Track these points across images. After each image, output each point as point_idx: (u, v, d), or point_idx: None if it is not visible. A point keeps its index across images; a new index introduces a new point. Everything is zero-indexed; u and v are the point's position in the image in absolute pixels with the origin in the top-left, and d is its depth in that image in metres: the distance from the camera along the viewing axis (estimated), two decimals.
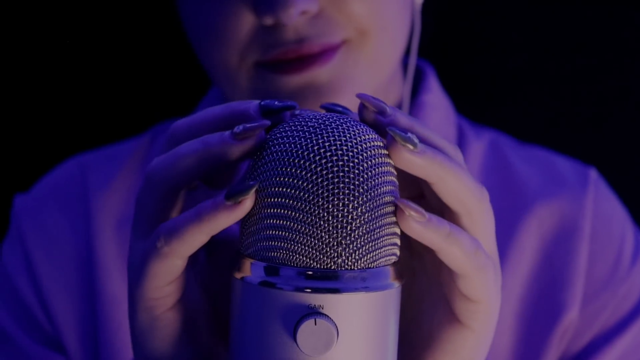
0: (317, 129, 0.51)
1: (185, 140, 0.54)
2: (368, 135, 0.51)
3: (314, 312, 0.50)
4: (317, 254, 0.50)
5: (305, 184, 0.49)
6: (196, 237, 0.51)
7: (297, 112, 0.54)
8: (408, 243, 0.57)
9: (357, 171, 0.50)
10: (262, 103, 0.54)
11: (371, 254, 0.50)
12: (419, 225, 0.51)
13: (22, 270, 0.82)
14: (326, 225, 0.49)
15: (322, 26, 0.70)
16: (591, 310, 0.80)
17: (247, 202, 0.50)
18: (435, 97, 0.84)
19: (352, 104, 0.72)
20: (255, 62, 0.72)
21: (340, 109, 0.55)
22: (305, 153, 0.50)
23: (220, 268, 0.58)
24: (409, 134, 0.51)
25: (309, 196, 0.49)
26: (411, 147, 0.51)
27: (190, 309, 0.56)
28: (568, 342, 0.80)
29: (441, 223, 0.52)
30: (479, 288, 0.53)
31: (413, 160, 0.51)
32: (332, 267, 0.50)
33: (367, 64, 0.72)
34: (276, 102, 0.54)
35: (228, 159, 0.52)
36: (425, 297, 0.57)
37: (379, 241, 0.51)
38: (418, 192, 0.56)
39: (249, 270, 0.51)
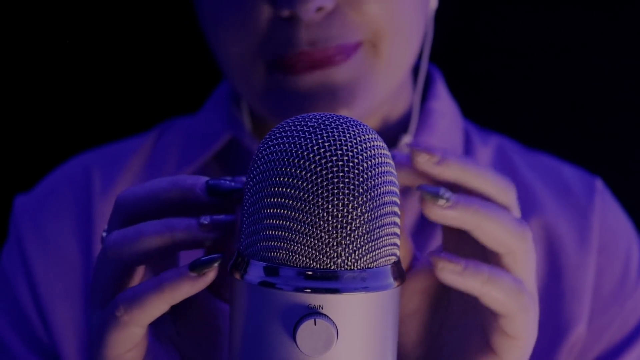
0: (317, 129, 0.51)
1: (131, 213, 0.54)
2: (368, 135, 0.51)
3: (313, 312, 0.49)
4: (317, 254, 0.50)
5: (305, 184, 0.49)
6: (156, 307, 0.51)
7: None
8: None
9: (357, 171, 0.50)
10: (210, 182, 0.54)
11: (371, 254, 0.50)
12: (456, 275, 0.51)
13: (20, 276, 0.81)
14: (326, 225, 0.49)
15: (337, 27, 0.70)
16: (599, 325, 0.79)
17: (211, 275, 0.51)
18: (443, 103, 0.84)
19: (365, 106, 0.72)
20: (269, 62, 0.71)
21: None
22: (305, 153, 0.50)
23: (189, 329, 0.58)
24: (440, 190, 0.52)
25: (308, 196, 0.49)
26: (442, 202, 0.52)
27: None
28: (576, 357, 0.78)
29: (479, 269, 0.52)
30: (520, 327, 0.54)
31: (446, 215, 0.52)
32: (332, 267, 0.50)
33: (382, 66, 0.72)
34: (225, 183, 0.54)
35: (192, 246, 0.52)
36: (460, 326, 0.57)
37: (378, 241, 0.50)
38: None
39: (249, 270, 0.51)
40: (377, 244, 0.50)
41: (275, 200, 0.50)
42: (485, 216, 0.52)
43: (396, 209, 0.52)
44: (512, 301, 0.53)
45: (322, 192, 0.49)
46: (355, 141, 0.50)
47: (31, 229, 0.82)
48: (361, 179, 0.50)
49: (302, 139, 0.50)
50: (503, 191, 0.55)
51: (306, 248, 0.50)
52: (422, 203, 0.52)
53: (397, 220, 0.52)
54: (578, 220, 0.81)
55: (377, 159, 0.51)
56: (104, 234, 0.55)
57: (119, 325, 0.52)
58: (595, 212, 0.81)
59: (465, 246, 0.55)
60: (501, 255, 0.54)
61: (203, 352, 0.58)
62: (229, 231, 0.53)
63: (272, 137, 0.51)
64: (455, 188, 0.54)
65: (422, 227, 0.78)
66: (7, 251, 0.83)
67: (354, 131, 0.51)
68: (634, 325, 0.80)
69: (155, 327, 0.56)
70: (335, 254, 0.50)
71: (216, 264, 0.51)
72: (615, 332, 0.79)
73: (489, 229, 0.53)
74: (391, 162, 0.52)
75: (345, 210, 0.49)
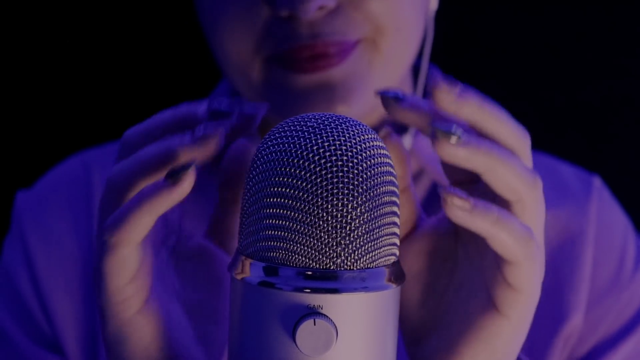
0: (317, 129, 0.50)
1: (138, 146, 0.54)
2: (367, 135, 0.51)
3: (313, 312, 0.49)
4: (317, 254, 0.49)
5: (304, 184, 0.49)
6: (140, 221, 0.51)
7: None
8: (454, 230, 0.57)
9: (356, 171, 0.50)
10: (211, 106, 0.54)
11: (370, 254, 0.50)
12: (465, 212, 0.51)
13: (22, 270, 0.82)
14: (325, 225, 0.49)
15: (338, 24, 0.70)
16: (595, 316, 0.80)
17: (186, 182, 0.51)
18: None
19: (363, 102, 0.72)
20: (269, 56, 0.71)
21: (394, 94, 0.54)
22: (305, 153, 0.50)
23: (193, 278, 0.58)
24: (452, 127, 0.51)
25: (308, 196, 0.49)
26: (453, 140, 0.51)
27: (162, 316, 0.55)
28: (572, 347, 0.80)
29: (488, 209, 0.51)
30: (525, 277, 0.53)
31: (456, 154, 0.51)
32: (332, 267, 0.50)
33: (381, 64, 0.72)
34: (224, 104, 0.54)
35: (188, 162, 0.52)
36: (465, 284, 0.56)
37: (378, 241, 0.50)
38: (471, 176, 0.55)
39: (248, 270, 0.51)
40: (376, 244, 0.50)
41: (275, 200, 0.50)
42: (497, 159, 0.52)
43: (395, 208, 0.52)
44: (520, 247, 0.52)
45: (321, 192, 0.49)
46: (354, 141, 0.50)
47: (33, 223, 0.83)
48: (360, 179, 0.50)
49: (302, 139, 0.50)
50: (517, 138, 0.54)
51: (306, 248, 0.49)
52: (434, 142, 0.51)
53: (396, 220, 0.52)
54: (575, 214, 0.82)
55: (376, 159, 0.51)
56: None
57: (109, 249, 0.52)
58: (592, 207, 0.82)
59: (480, 192, 0.55)
60: (510, 203, 0.53)
61: (204, 302, 0.58)
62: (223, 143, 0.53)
63: (272, 137, 0.51)
64: (470, 132, 0.53)
65: (428, 211, 0.79)
66: (9, 245, 0.84)
67: (353, 131, 0.51)
68: (629, 316, 0.81)
69: (159, 278, 0.56)
70: (335, 254, 0.50)
71: (191, 170, 0.51)
72: (611, 323, 0.80)
73: (500, 173, 0.52)
74: (391, 162, 0.52)
75: (344, 210, 0.49)
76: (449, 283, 0.57)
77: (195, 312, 0.58)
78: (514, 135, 0.54)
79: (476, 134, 0.54)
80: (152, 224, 0.52)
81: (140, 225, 0.51)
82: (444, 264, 0.58)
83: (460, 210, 0.51)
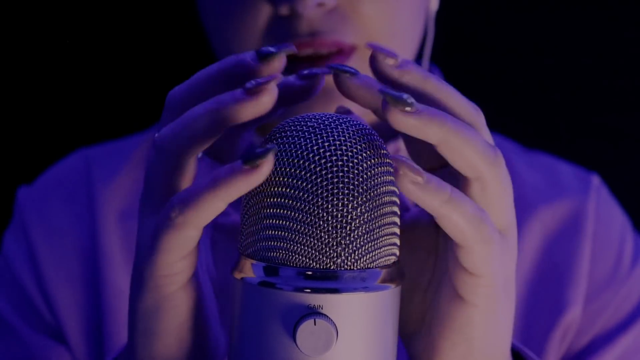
0: (317, 129, 0.51)
1: (182, 108, 0.52)
2: (367, 135, 0.51)
3: (313, 312, 0.49)
4: (317, 254, 0.50)
5: (304, 184, 0.49)
6: (212, 205, 0.49)
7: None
8: (435, 221, 0.54)
9: (356, 171, 0.50)
10: (259, 50, 0.51)
11: (371, 254, 0.50)
12: (416, 186, 0.48)
13: (25, 261, 0.82)
14: (325, 225, 0.49)
15: (335, 22, 0.70)
16: (593, 309, 0.81)
17: (265, 167, 0.48)
18: None
19: (361, 109, 0.72)
20: None
21: (349, 69, 0.52)
22: (305, 153, 0.50)
23: (225, 256, 0.56)
24: (403, 94, 0.49)
25: (308, 196, 0.49)
26: (406, 107, 0.49)
27: (199, 294, 0.53)
28: (570, 341, 0.80)
29: (441, 186, 0.49)
30: (480, 261, 0.50)
31: (407, 122, 0.49)
32: (332, 267, 0.50)
33: None
34: (272, 48, 0.51)
35: (242, 119, 0.49)
36: (435, 274, 0.55)
37: (378, 241, 0.50)
38: (441, 161, 0.53)
39: (249, 270, 0.51)
40: (376, 243, 0.50)
41: (275, 200, 0.50)
42: (452, 130, 0.49)
43: (396, 208, 0.52)
44: (472, 229, 0.49)
45: (321, 192, 0.49)
46: (354, 141, 0.50)
47: (35, 217, 0.84)
48: (361, 179, 0.50)
49: (302, 139, 0.50)
50: (470, 112, 0.52)
51: (306, 248, 0.50)
52: (384, 109, 0.49)
53: (396, 220, 0.52)
54: (574, 211, 0.83)
55: (376, 159, 0.51)
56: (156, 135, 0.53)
57: (173, 227, 0.49)
58: (590, 203, 0.83)
59: (446, 178, 0.52)
60: (470, 180, 0.51)
61: (230, 282, 0.55)
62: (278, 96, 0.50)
63: (272, 137, 0.51)
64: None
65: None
66: (10, 239, 0.85)
67: (353, 131, 0.51)
68: (627, 311, 0.81)
69: (200, 255, 0.54)
70: (335, 254, 0.50)
71: (270, 155, 0.48)
72: (609, 318, 0.81)
73: (456, 146, 0.49)
74: (391, 161, 0.52)
75: (344, 210, 0.49)
76: (431, 279, 0.56)
77: (222, 292, 0.56)
78: (466, 109, 0.52)
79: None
80: (224, 208, 0.49)
81: (212, 209, 0.49)
82: (427, 258, 0.56)
83: (411, 183, 0.48)
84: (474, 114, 0.52)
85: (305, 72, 0.51)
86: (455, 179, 0.52)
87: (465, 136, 0.49)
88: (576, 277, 0.81)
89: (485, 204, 0.51)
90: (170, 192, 0.51)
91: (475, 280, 0.51)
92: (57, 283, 0.81)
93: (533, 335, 0.80)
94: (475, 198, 0.51)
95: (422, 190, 0.49)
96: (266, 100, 0.49)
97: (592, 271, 0.81)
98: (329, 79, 0.71)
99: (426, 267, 0.57)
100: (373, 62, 0.52)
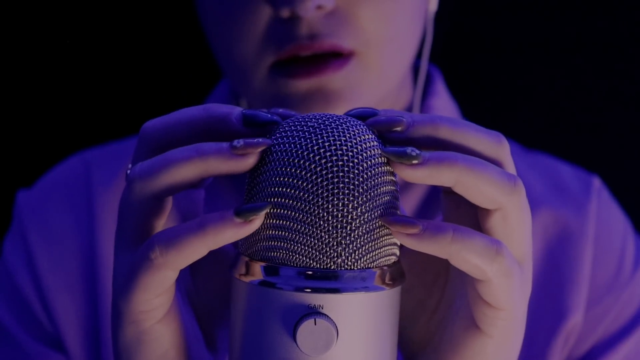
0: (317, 129, 0.51)
1: (158, 144, 0.51)
2: (368, 135, 0.51)
3: (313, 312, 0.49)
4: (317, 253, 0.50)
5: (304, 184, 0.49)
6: (195, 250, 0.49)
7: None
8: None
9: (356, 171, 0.50)
10: (246, 112, 0.51)
11: (371, 254, 0.50)
12: (413, 238, 0.49)
13: (24, 267, 0.82)
14: (326, 225, 0.49)
15: (334, 25, 0.70)
16: (595, 314, 0.80)
17: (256, 222, 0.49)
18: (442, 100, 0.84)
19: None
20: (271, 63, 0.72)
21: (370, 110, 0.53)
22: (305, 153, 0.50)
23: (206, 285, 0.57)
24: (407, 149, 0.49)
25: (308, 196, 0.49)
26: (413, 161, 0.49)
27: (179, 323, 0.53)
28: (572, 346, 0.80)
29: (441, 230, 0.49)
30: (501, 294, 0.50)
31: (417, 174, 0.49)
32: (332, 267, 0.50)
33: (376, 75, 0.72)
34: (262, 114, 0.51)
35: (223, 173, 0.50)
36: (455, 300, 0.55)
37: (378, 241, 0.51)
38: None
39: (249, 270, 0.51)
40: (377, 243, 0.50)
41: (275, 200, 0.50)
42: (464, 170, 0.49)
43: (396, 208, 0.52)
44: (487, 263, 0.49)
45: (322, 192, 0.49)
46: (355, 141, 0.50)
47: (34, 222, 0.83)
48: (361, 179, 0.50)
49: (302, 139, 0.50)
50: (490, 145, 0.51)
51: (306, 248, 0.50)
52: (392, 166, 0.50)
53: None
54: (575, 214, 0.82)
55: (376, 159, 0.51)
56: (129, 169, 0.52)
57: (152, 268, 0.49)
58: (591, 207, 0.83)
59: (464, 211, 0.53)
60: (491, 212, 0.51)
61: (214, 306, 0.56)
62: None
63: (272, 137, 0.51)
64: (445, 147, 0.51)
65: (426, 214, 0.79)
66: (9, 244, 0.85)
67: (353, 131, 0.51)
68: (629, 316, 0.81)
69: (177, 280, 0.54)
70: (336, 253, 0.50)
71: (263, 212, 0.49)
72: (611, 323, 0.81)
73: (471, 183, 0.49)
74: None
75: (345, 210, 0.50)
76: (440, 299, 0.56)
77: (206, 316, 0.57)
78: (486, 143, 0.52)
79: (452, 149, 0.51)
80: (205, 254, 0.49)
81: (194, 254, 0.49)
82: (436, 279, 0.57)
83: (408, 237, 0.49)
84: (494, 147, 0.52)
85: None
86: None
87: (478, 172, 0.49)
88: (578, 281, 0.80)
89: (505, 234, 0.51)
90: (145, 231, 0.51)
91: (495, 313, 0.51)
92: (56, 290, 0.81)
93: (535, 340, 0.79)
94: (496, 228, 0.51)
95: (420, 240, 0.49)
96: (251, 162, 0.50)
97: (593, 275, 0.81)
98: (329, 80, 0.71)
99: (435, 289, 0.57)
100: (383, 133, 0.52)
